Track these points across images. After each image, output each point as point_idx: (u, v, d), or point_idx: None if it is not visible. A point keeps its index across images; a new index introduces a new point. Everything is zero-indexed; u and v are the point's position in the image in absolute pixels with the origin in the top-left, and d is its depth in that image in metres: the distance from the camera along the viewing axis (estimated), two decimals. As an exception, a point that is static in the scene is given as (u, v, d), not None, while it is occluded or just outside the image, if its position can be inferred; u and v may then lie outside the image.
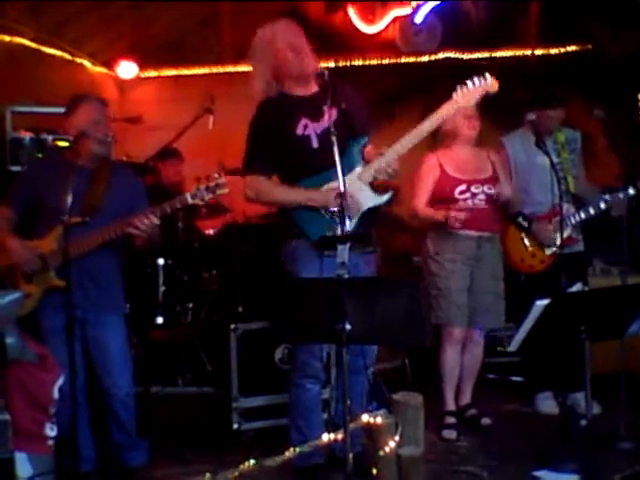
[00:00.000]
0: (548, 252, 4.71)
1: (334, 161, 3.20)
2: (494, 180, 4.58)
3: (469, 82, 3.68)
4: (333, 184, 3.35)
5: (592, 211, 4.68)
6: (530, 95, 5.15)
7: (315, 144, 3.65)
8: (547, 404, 4.88)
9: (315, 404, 3.80)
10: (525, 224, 4.73)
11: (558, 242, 4.30)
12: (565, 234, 4.50)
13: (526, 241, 4.78)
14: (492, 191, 4.53)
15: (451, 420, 4.59)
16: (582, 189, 4.83)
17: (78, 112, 3.81)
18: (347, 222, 3.10)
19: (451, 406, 4.65)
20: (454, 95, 3.73)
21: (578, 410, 4.49)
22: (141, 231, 3.65)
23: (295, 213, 3.70)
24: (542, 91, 4.95)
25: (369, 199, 3.65)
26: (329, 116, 3.46)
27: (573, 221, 4.68)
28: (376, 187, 3.66)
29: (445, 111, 3.71)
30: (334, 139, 3.25)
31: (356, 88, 3.92)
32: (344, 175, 3.23)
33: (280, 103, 3.74)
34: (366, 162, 3.68)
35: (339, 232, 3.11)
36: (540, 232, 4.71)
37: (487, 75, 3.69)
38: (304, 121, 3.68)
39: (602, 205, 4.64)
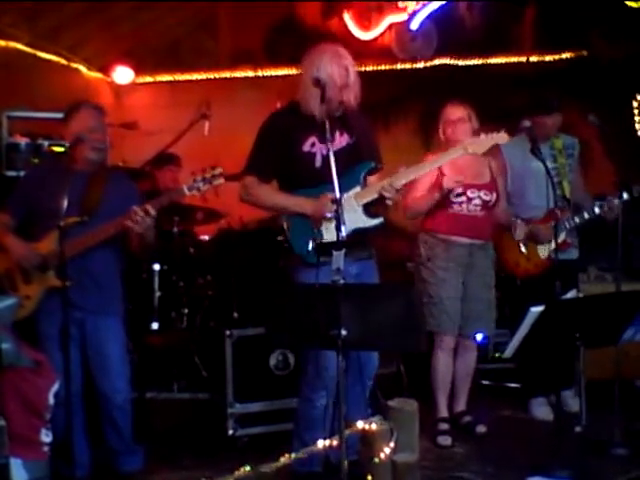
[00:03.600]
0: (543, 254, 4.72)
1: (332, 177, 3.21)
2: (491, 187, 4.58)
3: (482, 134, 3.95)
4: (328, 194, 3.37)
5: (587, 216, 4.69)
6: (526, 102, 5.16)
7: (318, 163, 3.69)
8: (542, 410, 4.88)
9: (322, 420, 3.71)
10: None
11: (554, 243, 4.30)
12: (560, 238, 4.52)
13: (521, 244, 4.80)
14: (488, 197, 4.54)
15: (444, 426, 4.57)
16: (579, 196, 4.84)
17: (74, 119, 3.84)
18: (343, 228, 3.10)
19: (444, 412, 4.63)
20: (465, 141, 4.00)
21: (565, 409, 4.49)
22: (139, 224, 3.65)
23: (286, 222, 3.73)
24: (538, 97, 4.95)
25: (358, 220, 3.63)
26: (339, 142, 3.65)
27: (568, 225, 4.69)
28: (370, 211, 3.68)
29: (453, 153, 3.93)
30: (331, 153, 3.26)
31: (371, 123, 4.09)
32: (342, 192, 3.25)
33: (296, 115, 3.74)
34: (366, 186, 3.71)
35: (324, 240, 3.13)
36: (539, 230, 4.70)
37: (502, 132, 3.91)
38: (312, 139, 3.70)
39: (597, 210, 4.66)
